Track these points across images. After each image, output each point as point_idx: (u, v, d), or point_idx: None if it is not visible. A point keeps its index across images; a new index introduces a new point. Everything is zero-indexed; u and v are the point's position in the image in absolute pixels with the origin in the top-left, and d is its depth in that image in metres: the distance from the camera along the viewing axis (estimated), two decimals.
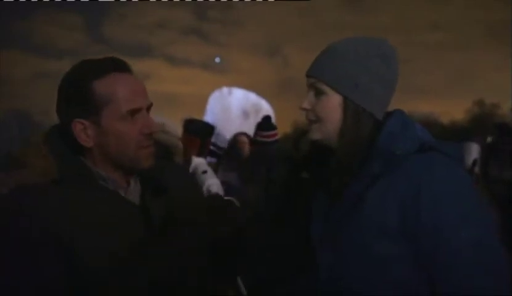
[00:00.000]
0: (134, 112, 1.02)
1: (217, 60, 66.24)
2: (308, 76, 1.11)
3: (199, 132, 3.28)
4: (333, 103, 1.07)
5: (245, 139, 3.64)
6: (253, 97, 5.33)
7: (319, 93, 1.08)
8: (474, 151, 2.52)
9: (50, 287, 0.93)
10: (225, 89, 5.28)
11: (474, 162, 2.48)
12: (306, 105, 1.10)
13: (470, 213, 0.94)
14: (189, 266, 1.03)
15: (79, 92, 1.00)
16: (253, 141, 3.49)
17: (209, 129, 3.58)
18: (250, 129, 3.89)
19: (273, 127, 3.48)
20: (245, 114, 5.11)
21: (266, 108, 5.27)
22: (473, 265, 0.91)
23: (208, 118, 5.02)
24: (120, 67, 1.03)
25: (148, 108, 1.07)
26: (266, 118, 3.54)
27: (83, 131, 1.01)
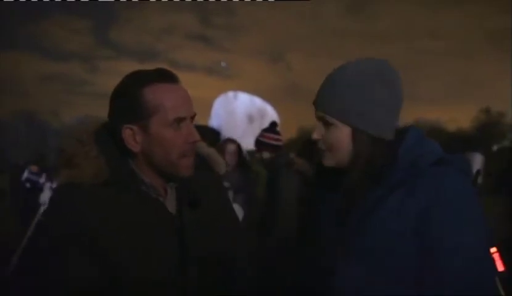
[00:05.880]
0: (180, 120, 1.06)
1: (223, 64, 66.23)
2: (315, 107, 1.14)
3: (205, 138, 3.31)
4: (343, 134, 1.10)
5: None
6: (258, 101, 5.35)
7: (328, 124, 1.12)
8: (477, 162, 2.52)
9: (82, 282, 0.99)
10: (230, 94, 5.30)
11: (477, 173, 2.49)
12: (316, 135, 1.14)
13: (474, 228, 1.00)
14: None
15: (130, 99, 1.04)
16: (256, 142, 3.48)
17: (215, 135, 3.61)
18: (254, 134, 3.90)
19: (278, 132, 3.49)
20: (250, 118, 5.13)
21: (271, 113, 5.29)
22: (464, 271, 0.97)
23: (213, 121, 5.06)
24: (169, 78, 1.08)
25: (192, 118, 1.11)
26: (272, 124, 3.55)
27: (132, 137, 1.06)
